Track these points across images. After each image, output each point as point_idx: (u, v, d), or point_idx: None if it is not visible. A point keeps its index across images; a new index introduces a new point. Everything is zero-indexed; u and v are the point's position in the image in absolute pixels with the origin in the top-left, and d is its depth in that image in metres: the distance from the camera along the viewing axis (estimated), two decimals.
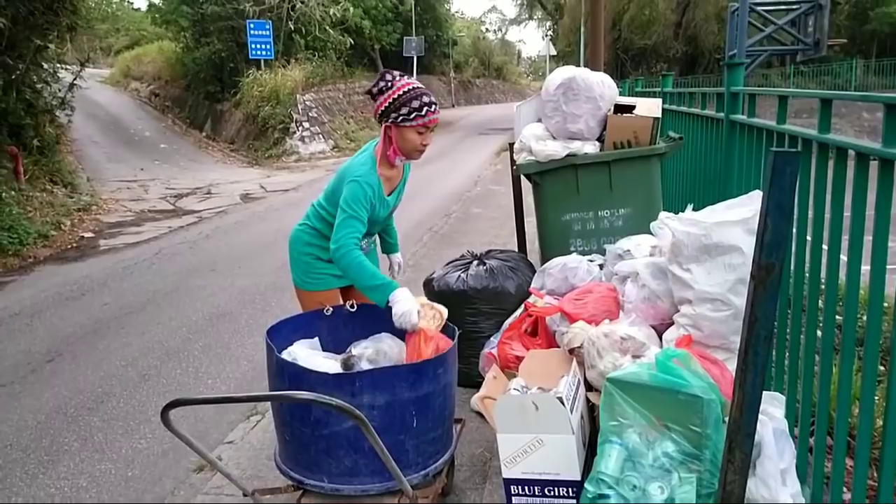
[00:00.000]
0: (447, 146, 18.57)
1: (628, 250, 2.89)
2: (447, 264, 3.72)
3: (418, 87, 2.48)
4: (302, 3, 18.38)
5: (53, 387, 4.11)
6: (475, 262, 3.56)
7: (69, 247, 8.30)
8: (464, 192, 11.04)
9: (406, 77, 2.53)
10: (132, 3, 27.06)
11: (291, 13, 18.51)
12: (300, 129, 17.71)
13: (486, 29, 42.51)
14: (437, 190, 11.24)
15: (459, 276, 3.46)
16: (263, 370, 2.42)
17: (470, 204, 9.87)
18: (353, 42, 20.22)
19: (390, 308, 2.35)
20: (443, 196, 10.67)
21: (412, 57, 23.04)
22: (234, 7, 18.14)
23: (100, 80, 26.48)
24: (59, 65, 11.68)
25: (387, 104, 2.45)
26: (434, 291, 3.52)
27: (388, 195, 2.67)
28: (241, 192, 12.36)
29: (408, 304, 2.34)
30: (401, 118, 2.43)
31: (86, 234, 8.98)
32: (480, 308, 3.38)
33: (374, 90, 2.49)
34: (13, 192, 8.92)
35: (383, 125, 2.49)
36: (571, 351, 2.50)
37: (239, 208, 10.75)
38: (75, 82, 12.14)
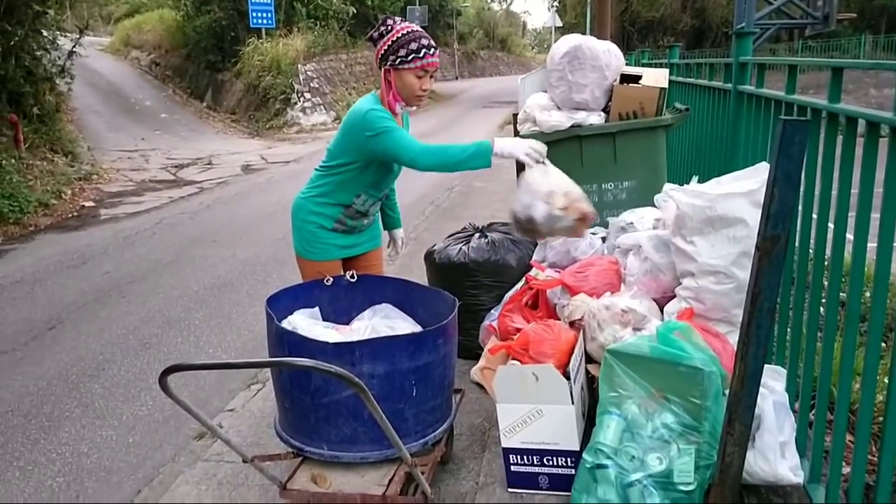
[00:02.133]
0: (451, 119, 18.41)
1: (631, 223, 2.87)
2: (448, 237, 3.70)
3: (417, 31, 2.44)
4: None
5: (55, 354, 4.12)
6: (476, 235, 3.53)
7: (70, 216, 8.29)
8: None
9: (406, 22, 2.49)
10: None
11: None
12: (301, 99, 17.54)
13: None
14: None
15: (461, 248, 3.44)
16: (264, 340, 2.41)
17: (472, 178, 9.79)
18: (355, 11, 19.92)
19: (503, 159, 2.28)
20: None
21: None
22: None
23: (99, 48, 26.17)
24: (58, 32, 11.53)
25: (386, 47, 2.41)
26: (435, 264, 3.50)
27: None
28: (242, 163, 12.29)
29: (517, 144, 2.27)
30: (399, 60, 2.39)
31: (87, 204, 8.96)
32: (481, 281, 3.37)
33: (375, 34, 2.46)
34: (13, 161, 8.87)
35: (383, 70, 2.45)
36: (572, 324, 2.50)
37: (240, 179, 10.70)
38: (74, 50, 11.99)
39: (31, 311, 4.89)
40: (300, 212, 2.67)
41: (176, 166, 11.98)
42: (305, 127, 17.06)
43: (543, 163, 2.28)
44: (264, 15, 17.64)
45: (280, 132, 16.62)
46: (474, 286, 3.36)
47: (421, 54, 2.39)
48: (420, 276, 3.79)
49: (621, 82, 3.20)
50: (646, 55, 7.55)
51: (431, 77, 2.48)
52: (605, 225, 3.07)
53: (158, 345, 4.22)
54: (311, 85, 18.05)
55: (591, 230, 3.03)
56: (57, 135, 11.11)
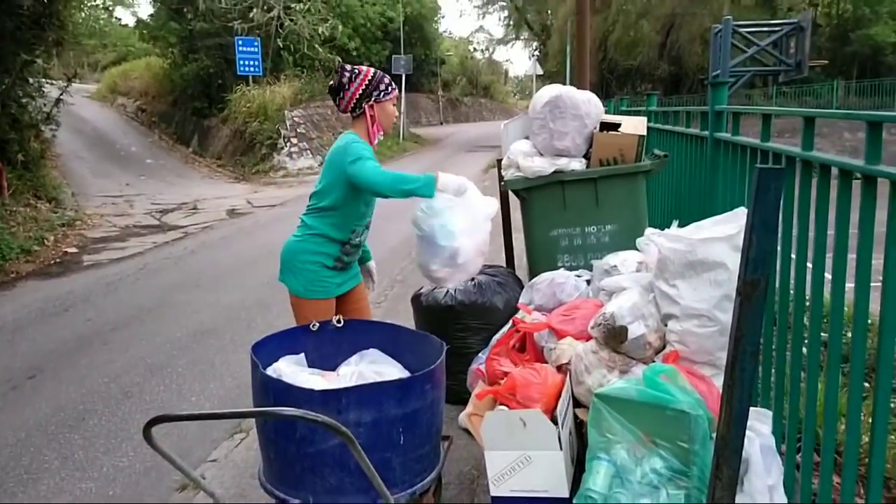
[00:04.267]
0: (436, 163, 18.64)
1: (615, 266, 2.91)
2: None
3: (377, 71, 2.82)
4: (291, 20, 18.46)
5: (34, 403, 4.03)
6: None
7: (52, 262, 8.20)
8: None
9: (358, 68, 2.83)
10: (120, 20, 27.13)
11: (280, 30, 18.58)
12: (288, 144, 17.70)
13: (474, 48, 42.94)
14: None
15: (448, 291, 3.46)
16: (248, 388, 2.38)
17: None
18: (341, 60, 20.30)
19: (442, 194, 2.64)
20: None
21: (400, 75, 23.20)
22: (223, 24, 18.17)
23: (86, 95, 26.33)
24: (45, 80, 11.63)
25: (363, 88, 2.75)
26: (422, 307, 3.51)
27: None
28: (227, 207, 12.30)
29: (453, 180, 2.61)
30: (381, 94, 2.77)
31: (69, 250, 8.88)
32: (469, 323, 3.38)
33: (344, 80, 2.76)
34: None
35: (365, 107, 2.75)
36: (560, 367, 2.50)
37: (225, 224, 10.69)
38: (61, 97, 12.06)
39: (11, 359, 4.79)
40: (299, 253, 2.76)
41: (161, 211, 11.96)
42: (292, 171, 17.17)
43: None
44: (252, 63, 17.92)
45: (266, 176, 16.70)
46: (462, 329, 3.37)
47: (392, 86, 2.83)
48: (407, 318, 3.79)
49: (601, 130, 3.28)
50: (624, 102, 7.76)
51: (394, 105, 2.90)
52: (590, 268, 3.10)
53: (140, 393, 4.15)
54: (298, 130, 18.24)
55: (577, 273, 3.07)
56: (41, 181, 11.08)
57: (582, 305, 2.73)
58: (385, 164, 18.42)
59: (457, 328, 3.35)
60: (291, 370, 2.42)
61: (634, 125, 3.32)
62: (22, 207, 9.80)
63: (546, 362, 2.65)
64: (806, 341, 1.88)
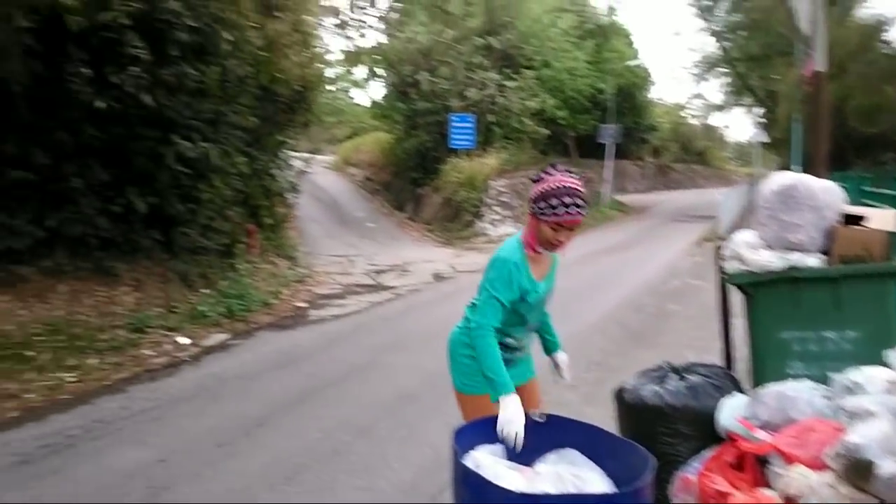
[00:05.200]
0: (640, 233, 18.01)
1: (859, 383, 2.51)
2: (641, 373, 3.50)
3: (567, 187, 2.54)
4: (503, 97, 19.42)
5: (259, 452, 4.48)
6: (673, 375, 3.31)
7: (285, 315, 9.23)
8: (659, 285, 10.50)
9: (564, 173, 2.62)
10: (353, 98, 30.60)
11: (493, 107, 19.63)
12: (491, 212, 18.42)
13: (689, 115, 41.35)
14: (628, 280, 10.85)
15: (655, 389, 3.23)
16: (444, 459, 2.45)
17: (665, 299, 9.35)
18: (549, 133, 20.84)
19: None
20: (635, 287, 10.26)
21: (605, 144, 23.09)
22: (443, 103, 19.73)
23: (324, 165, 29.96)
24: (292, 153, 13.47)
25: (535, 193, 2.62)
26: (626, 403, 3.31)
27: (539, 281, 2.72)
28: (433, 270, 12.96)
29: (513, 414, 2.42)
30: (538, 211, 2.59)
31: (300, 304, 9.94)
32: (679, 429, 3.09)
33: (533, 177, 2.68)
34: (246, 265, 10.24)
35: (530, 212, 2.66)
36: (788, 500, 2.19)
37: (431, 287, 11.26)
38: (304, 169, 13.85)
39: (247, 406, 5.40)
40: (458, 346, 2.79)
41: (376, 272, 12.96)
42: (493, 238, 17.70)
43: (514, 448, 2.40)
44: (465, 137, 19.14)
45: (469, 242, 17.42)
46: (671, 434, 3.10)
47: (559, 212, 2.53)
48: (605, 405, 3.61)
49: (843, 223, 2.92)
50: (866, 181, 6.86)
51: (571, 231, 2.59)
52: (825, 381, 2.71)
53: (348, 453, 4.42)
54: (501, 199, 18.91)
55: (811, 385, 2.70)
56: (282, 241, 12.69)
57: (817, 427, 2.38)
58: (587, 232, 18.25)
59: (664, 432, 3.09)
60: (489, 462, 2.41)
61: (883, 219, 2.90)
62: (265, 264, 11.27)
63: (767, 486, 2.34)
64: None
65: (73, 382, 5.76)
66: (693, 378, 3.18)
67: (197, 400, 5.55)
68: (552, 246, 2.64)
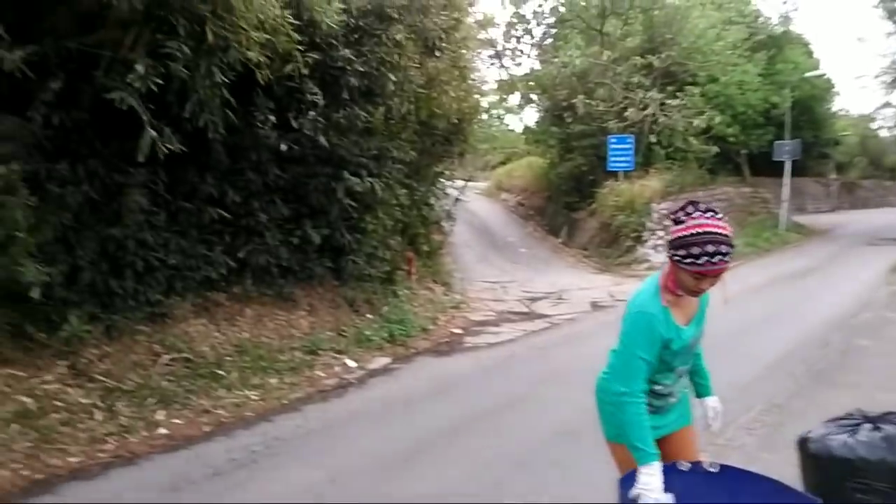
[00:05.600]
0: (823, 258, 16.32)
1: None
2: (828, 421, 3.16)
3: (707, 234, 2.32)
4: (665, 115, 18.63)
5: (416, 481, 4.59)
6: (866, 425, 2.95)
7: (442, 341, 9.47)
8: (846, 318, 9.41)
9: (706, 216, 2.38)
10: (507, 125, 31.00)
11: (654, 126, 18.90)
12: (653, 237, 17.60)
13: (879, 126, 36.95)
14: (810, 313, 9.83)
15: (845, 440, 2.90)
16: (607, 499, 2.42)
17: (854, 334, 8.35)
18: (718, 150, 19.61)
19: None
20: (818, 321, 9.27)
21: (783, 161, 21.29)
22: (599, 125, 19.35)
23: (477, 192, 30.58)
24: (448, 182, 13.94)
25: (673, 237, 2.43)
26: (810, 454, 3.01)
27: (685, 325, 2.52)
28: (590, 299, 12.64)
29: (653, 483, 2.31)
30: (677, 258, 2.39)
31: (455, 330, 10.17)
32: (872, 485, 2.76)
33: (672, 218, 2.46)
34: (406, 291, 10.70)
35: (667, 255, 2.48)
36: None
37: (588, 317, 10.99)
38: (459, 197, 14.26)
39: (406, 431, 5.60)
40: (604, 394, 2.67)
41: (530, 299, 12.90)
42: (655, 264, 16.92)
43: None
44: (624, 159, 18.56)
45: (629, 268, 16.78)
46: (863, 490, 2.77)
47: (701, 261, 2.32)
48: (785, 451, 3.30)
49: None
50: None
51: (716, 278, 2.36)
52: None
53: (511, 484, 4.41)
54: (664, 223, 18.04)
55: None
56: (438, 268, 13.11)
57: None
58: (761, 257, 16.86)
59: (856, 488, 2.76)
60: None
61: None
62: (423, 290, 11.69)
63: None
64: None
65: (257, 401, 6.34)
66: (889, 428, 2.83)
67: (364, 422, 5.86)
68: (694, 293, 2.47)
